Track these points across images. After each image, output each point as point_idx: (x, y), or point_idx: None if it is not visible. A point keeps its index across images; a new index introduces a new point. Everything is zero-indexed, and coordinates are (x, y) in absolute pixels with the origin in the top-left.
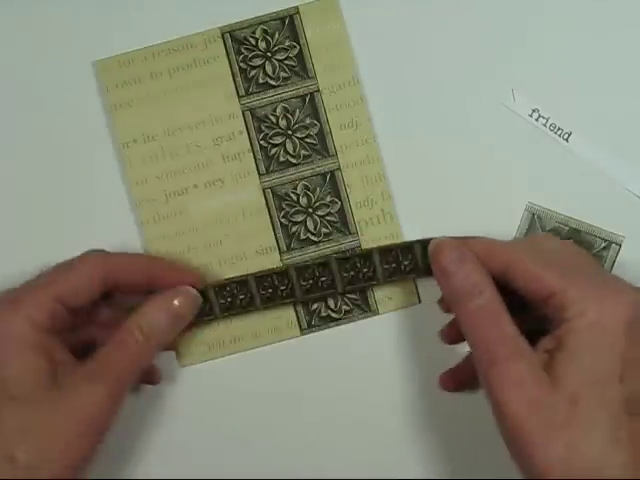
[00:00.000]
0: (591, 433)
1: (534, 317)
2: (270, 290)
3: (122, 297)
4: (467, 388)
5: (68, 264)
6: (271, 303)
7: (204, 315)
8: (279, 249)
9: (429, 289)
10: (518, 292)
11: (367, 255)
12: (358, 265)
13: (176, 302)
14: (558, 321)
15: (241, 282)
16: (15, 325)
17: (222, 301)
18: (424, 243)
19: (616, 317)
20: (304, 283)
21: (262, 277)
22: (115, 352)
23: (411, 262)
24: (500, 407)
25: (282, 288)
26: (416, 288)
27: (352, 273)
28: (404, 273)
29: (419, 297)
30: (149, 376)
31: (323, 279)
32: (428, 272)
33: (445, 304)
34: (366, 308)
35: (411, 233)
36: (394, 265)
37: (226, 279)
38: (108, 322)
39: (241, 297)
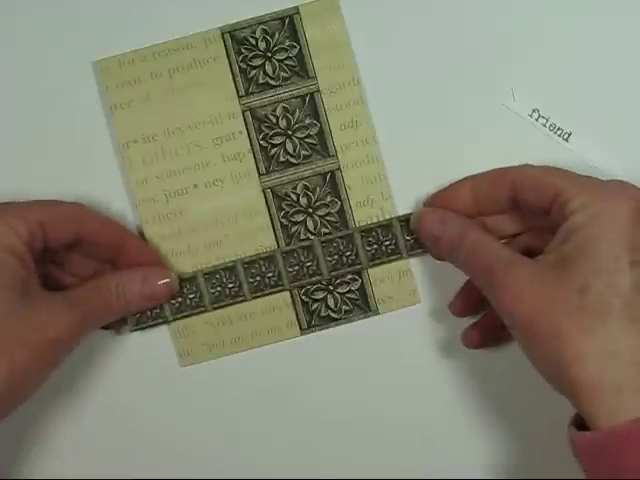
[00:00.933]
0: (604, 318)
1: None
2: (258, 278)
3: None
4: (490, 342)
5: (55, 201)
6: (260, 292)
7: (193, 307)
8: (279, 249)
9: (429, 289)
10: (529, 204)
11: (349, 237)
12: (341, 248)
13: (159, 283)
14: (564, 218)
15: (229, 268)
16: None
17: (212, 290)
18: (402, 219)
19: (620, 207)
20: (290, 269)
21: (250, 263)
22: (91, 291)
23: (392, 242)
24: (509, 319)
25: (269, 275)
26: (416, 288)
27: (336, 257)
28: (386, 254)
29: (419, 297)
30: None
31: (308, 264)
32: (408, 250)
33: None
34: (366, 308)
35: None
36: (375, 246)
37: (214, 265)
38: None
39: (230, 286)
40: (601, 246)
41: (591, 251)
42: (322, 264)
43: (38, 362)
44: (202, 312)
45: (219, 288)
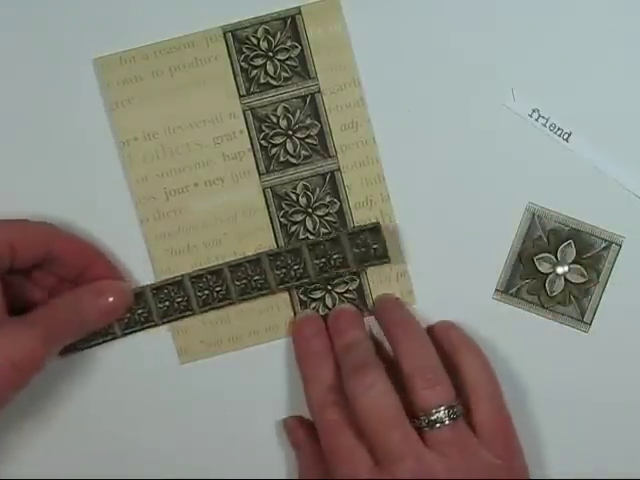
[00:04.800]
0: None
1: None
2: (244, 281)
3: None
4: None
5: (25, 220)
6: (247, 295)
7: (181, 311)
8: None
9: (426, 289)
10: None
11: (336, 240)
12: (329, 251)
13: (110, 299)
14: None
15: (216, 272)
16: None
17: (199, 294)
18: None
19: None
20: (278, 272)
21: (236, 266)
22: (50, 312)
23: (379, 245)
24: None
25: (256, 278)
26: (412, 289)
27: (323, 260)
28: (374, 258)
29: (415, 298)
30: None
31: (296, 267)
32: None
33: None
34: (364, 308)
35: (409, 234)
36: (363, 249)
37: (200, 269)
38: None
39: (217, 289)
40: None
41: None
42: (309, 267)
43: (2, 385)
44: (190, 315)
45: (206, 291)
